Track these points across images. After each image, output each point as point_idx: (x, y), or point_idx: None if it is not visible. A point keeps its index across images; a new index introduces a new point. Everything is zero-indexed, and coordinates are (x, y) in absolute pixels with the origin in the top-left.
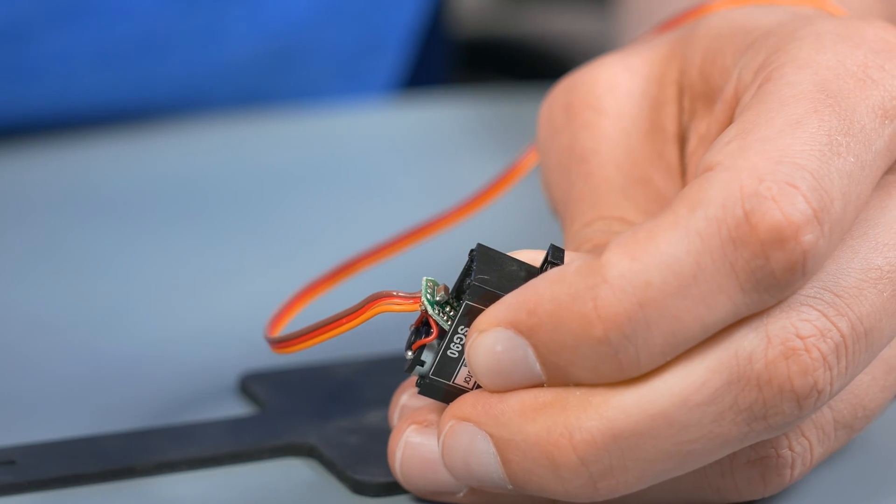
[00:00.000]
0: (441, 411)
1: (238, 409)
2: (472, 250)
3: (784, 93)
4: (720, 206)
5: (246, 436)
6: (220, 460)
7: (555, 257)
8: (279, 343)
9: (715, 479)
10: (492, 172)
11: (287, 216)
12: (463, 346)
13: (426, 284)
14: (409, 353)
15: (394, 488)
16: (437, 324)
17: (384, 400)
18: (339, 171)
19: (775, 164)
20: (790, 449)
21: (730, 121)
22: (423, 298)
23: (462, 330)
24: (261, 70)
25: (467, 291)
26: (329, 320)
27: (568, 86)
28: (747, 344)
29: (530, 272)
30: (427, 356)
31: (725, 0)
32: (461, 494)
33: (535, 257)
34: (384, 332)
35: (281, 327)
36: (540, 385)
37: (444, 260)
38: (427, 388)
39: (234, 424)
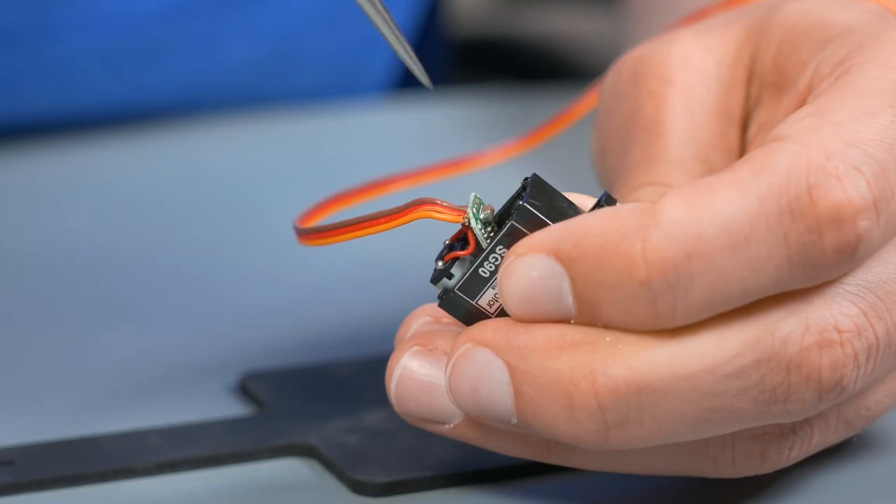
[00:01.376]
0: (452, 340)
1: (238, 409)
2: (526, 178)
3: (862, 85)
4: (785, 175)
5: (246, 436)
6: (220, 460)
7: (608, 203)
8: (308, 234)
9: (715, 450)
10: (491, 172)
11: (287, 216)
12: (496, 266)
13: (473, 200)
14: (440, 264)
15: (394, 488)
16: (476, 239)
17: (384, 400)
18: (338, 172)
19: (845, 146)
20: (793, 430)
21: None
22: (469, 211)
23: (500, 250)
24: (259, 74)
25: (515, 212)
26: (368, 217)
27: (639, 55)
28: (786, 326)
29: (577, 213)
30: (456, 270)
31: None
32: (451, 426)
33: (584, 202)
34: (384, 333)
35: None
36: (566, 321)
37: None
38: (449, 302)
39: (233, 424)
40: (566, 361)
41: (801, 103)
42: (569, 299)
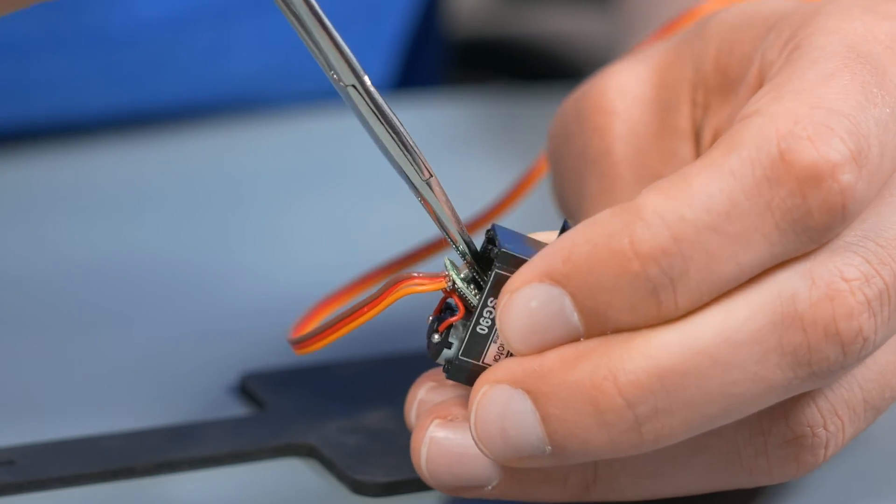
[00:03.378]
0: (464, 405)
1: (238, 409)
2: (488, 230)
3: (813, 54)
4: (755, 147)
5: (246, 436)
6: (221, 460)
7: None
8: (301, 343)
9: (749, 460)
10: (489, 172)
11: (287, 216)
12: (493, 319)
13: (449, 265)
14: (435, 337)
15: (394, 488)
16: (465, 300)
17: (384, 400)
18: (339, 172)
19: (811, 109)
20: (825, 428)
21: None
22: (451, 273)
23: (491, 302)
24: (264, 83)
25: (496, 260)
26: (350, 311)
27: (578, 95)
28: (791, 284)
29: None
30: (454, 337)
31: (718, 0)
32: (490, 487)
33: (549, 237)
34: (384, 333)
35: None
36: (577, 339)
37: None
38: (455, 370)
39: (234, 424)
40: (584, 369)
41: (757, 90)
42: (574, 316)
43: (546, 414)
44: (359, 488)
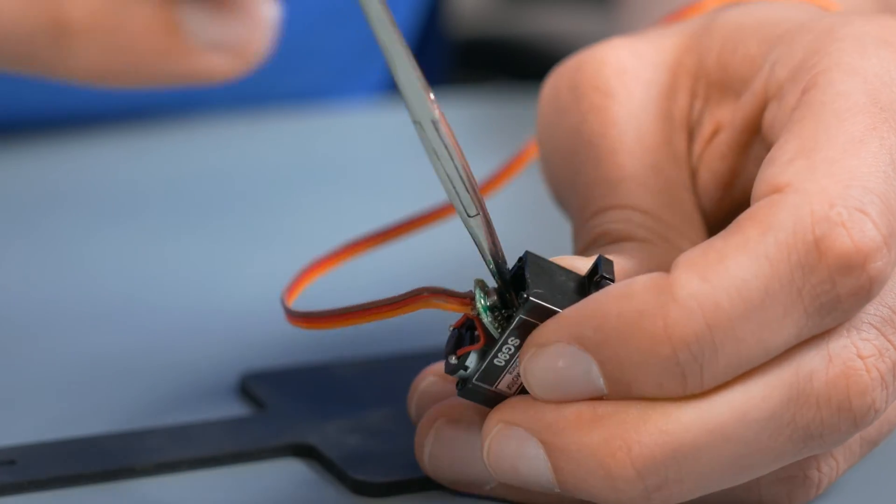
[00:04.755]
0: (472, 407)
1: (238, 409)
2: (520, 258)
3: (838, 105)
4: (791, 232)
5: (246, 436)
6: (220, 460)
7: (605, 270)
8: (307, 318)
9: (741, 493)
10: (490, 172)
11: (287, 216)
12: (511, 355)
13: (478, 287)
14: (453, 359)
15: (394, 488)
16: (486, 330)
17: (384, 400)
18: (338, 171)
19: (844, 188)
20: (818, 470)
21: (758, 111)
22: (478, 303)
23: (512, 340)
24: (261, 73)
25: (523, 306)
26: (367, 305)
27: (574, 66)
28: (808, 362)
29: (579, 283)
30: (471, 361)
31: None
32: (489, 487)
33: (573, 263)
34: (383, 333)
35: (292, 300)
36: (600, 398)
37: (448, 247)
38: (468, 392)
39: (234, 424)
40: (599, 435)
41: (761, 105)
42: (599, 381)
43: (557, 466)
44: (359, 488)
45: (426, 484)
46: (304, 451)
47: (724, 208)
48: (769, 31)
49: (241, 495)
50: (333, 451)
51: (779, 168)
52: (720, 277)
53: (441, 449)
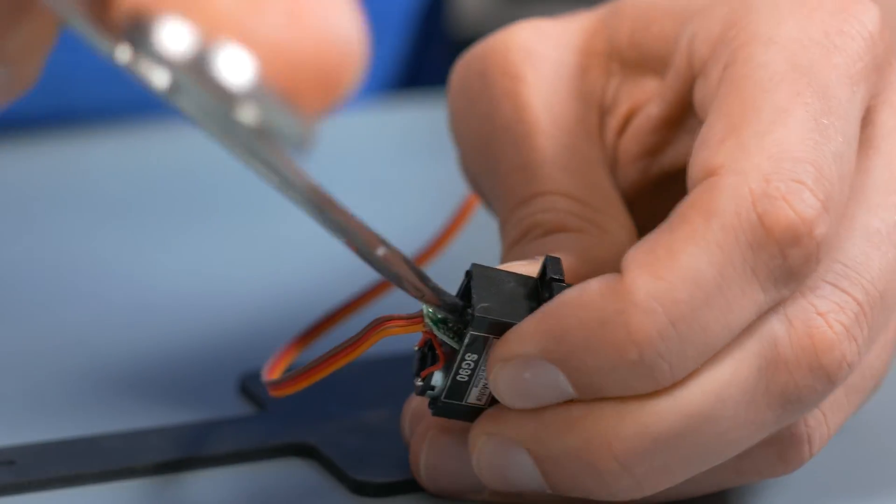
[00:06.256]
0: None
1: (238, 409)
2: (467, 272)
3: (759, 76)
4: (734, 214)
5: (246, 436)
6: (221, 460)
7: (554, 271)
8: (279, 385)
9: (733, 463)
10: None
11: (287, 216)
12: (472, 370)
13: (425, 310)
14: (419, 381)
15: (394, 489)
16: (443, 346)
17: (383, 400)
18: (339, 171)
19: (777, 162)
20: (805, 425)
21: (683, 89)
22: (426, 319)
23: (469, 356)
24: None
25: (471, 323)
26: (330, 353)
27: (480, 53)
28: (770, 331)
29: (528, 286)
30: (437, 380)
31: None
32: (487, 493)
33: (522, 269)
34: None
35: (277, 374)
36: (570, 400)
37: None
38: (441, 409)
39: (234, 425)
40: (579, 435)
41: (688, 81)
42: (568, 388)
43: (545, 470)
44: (359, 488)
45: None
46: (305, 452)
47: (649, 178)
48: (682, 8)
49: (242, 495)
50: (334, 451)
51: (711, 150)
52: (674, 272)
53: (435, 460)
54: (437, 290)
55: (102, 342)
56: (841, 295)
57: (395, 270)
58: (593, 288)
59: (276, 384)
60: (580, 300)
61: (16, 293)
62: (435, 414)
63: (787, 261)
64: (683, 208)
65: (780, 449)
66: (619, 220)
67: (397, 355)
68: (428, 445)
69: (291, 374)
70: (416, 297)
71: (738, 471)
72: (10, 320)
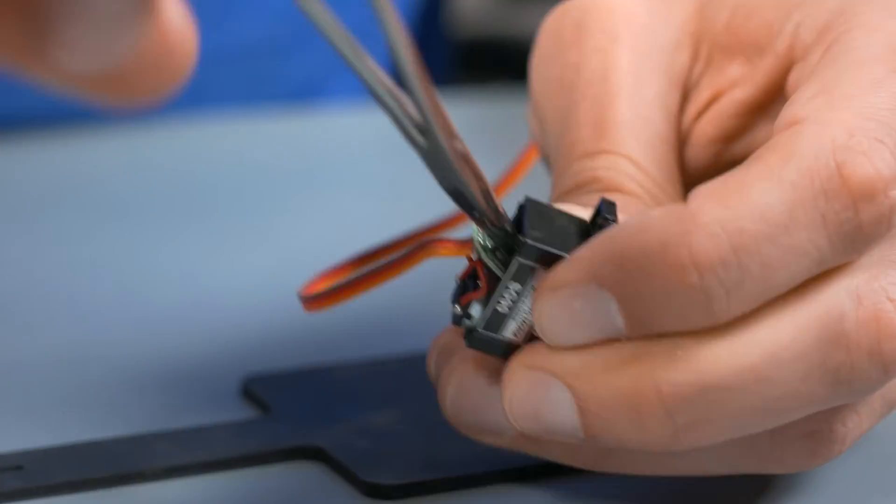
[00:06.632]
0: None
1: (242, 412)
2: (520, 204)
3: (858, 54)
4: (813, 158)
5: (253, 439)
6: (229, 464)
7: (609, 212)
8: (315, 299)
9: (763, 450)
10: (491, 172)
11: (288, 216)
12: (514, 301)
13: (477, 230)
14: (457, 308)
15: (406, 490)
16: (488, 274)
17: (389, 401)
18: (339, 171)
19: (864, 120)
20: (843, 424)
21: (778, 73)
22: (476, 244)
23: (513, 286)
24: (266, 54)
25: (520, 250)
26: (374, 270)
27: (581, 6)
28: (838, 303)
29: (581, 227)
30: (475, 310)
31: None
32: (506, 436)
33: (576, 211)
34: (385, 334)
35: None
36: (618, 339)
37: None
38: (476, 341)
39: (241, 427)
40: (628, 375)
41: (785, 68)
42: (618, 320)
43: (584, 409)
44: (370, 491)
45: (438, 486)
46: (313, 454)
47: (720, 164)
48: None
49: (251, 499)
50: (343, 453)
51: (799, 105)
52: (743, 203)
53: (465, 391)
54: (497, 206)
55: (105, 346)
56: None
57: (465, 170)
58: (655, 214)
59: (314, 298)
60: (642, 225)
61: (17, 296)
62: (469, 345)
63: (858, 215)
64: (762, 150)
65: (815, 444)
66: (675, 200)
67: (400, 357)
68: (458, 376)
69: (332, 287)
70: (477, 209)
71: (764, 459)
72: (11, 324)
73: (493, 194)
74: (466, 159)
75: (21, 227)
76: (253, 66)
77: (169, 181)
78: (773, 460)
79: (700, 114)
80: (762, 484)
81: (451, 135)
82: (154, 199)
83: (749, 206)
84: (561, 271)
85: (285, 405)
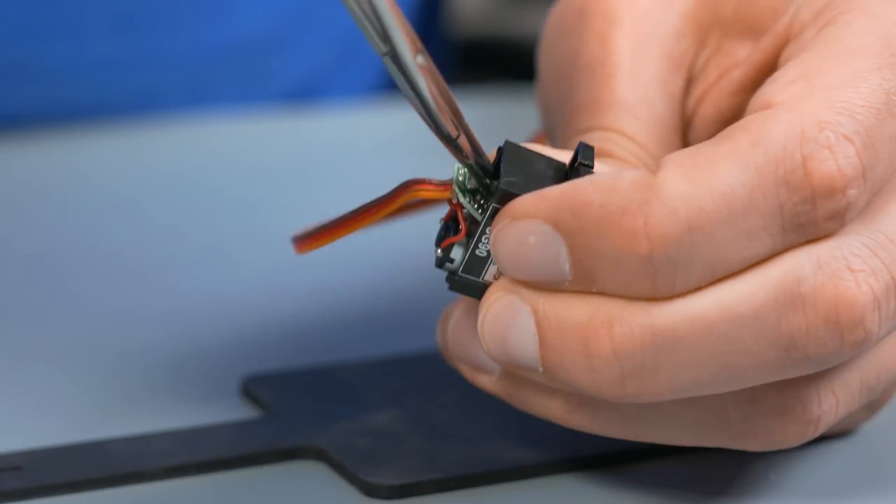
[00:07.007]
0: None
1: (241, 412)
2: (499, 147)
3: (850, 42)
4: (780, 146)
5: (253, 439)
6: (228, 464)
7: (585, 157)
8: (307, 239)
9: (736, 423)
10: None
11: (288, 216)
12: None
13: (457, 173)
14: (439, 251)
15: (406, 490)
16: (467, 217)
17: (389, 402)
18: (339, 171)
19: (836, 114)
20: (818, 405)
21: (774, 51)
22: (455, 186)
23: (490, 231)
24: (264, 51)
25: (494, 195)
26: (359, 210)
27: None
28: (798, 266)
29: (558, 170)
30: (456, 253)
31: None
32: (495, 377)
33: (557, 155)
34: (385, 335)
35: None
36: (561, 284)
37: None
38: (457, 284)
39: (241, 427)
40: (586, 309)
41: (781, 45)
42: (565, 266)
43: (543, 339)
44: (371, 491)
45: (438, 486)
46: (313, 454)
47: None
48: None
49: (251, 499)
50: (343, 453)
51: (777, 87)
52: (707, 181)
53: (455, 329)
54: (477, 145)
55: (105, 346)
56: (877, 262)
57: (427, 89)
58: (624, 175)
59: (303, 238)
60: (608, 183)
61: (17, 295)
62: (451, 288)
63: (815, 209)
64: (734, 128)
65: (786, 423)
66: None
67: (399, 357)
68: (454, 314)
69: (318, 228)
70: (445, 135)
71: (736, 433)
72: (11, 323)
73: (471, 130)
74: (433, 75)
75: (20, 227)
76: (251, 64)
77: (168, 180)
78: (746, 435)
79: (703, 98)
80: (760, 484)
81: (416, 49)
82: (153, 198)
83: (712, 185)
84: (524, 202)
85: (285, 405)
